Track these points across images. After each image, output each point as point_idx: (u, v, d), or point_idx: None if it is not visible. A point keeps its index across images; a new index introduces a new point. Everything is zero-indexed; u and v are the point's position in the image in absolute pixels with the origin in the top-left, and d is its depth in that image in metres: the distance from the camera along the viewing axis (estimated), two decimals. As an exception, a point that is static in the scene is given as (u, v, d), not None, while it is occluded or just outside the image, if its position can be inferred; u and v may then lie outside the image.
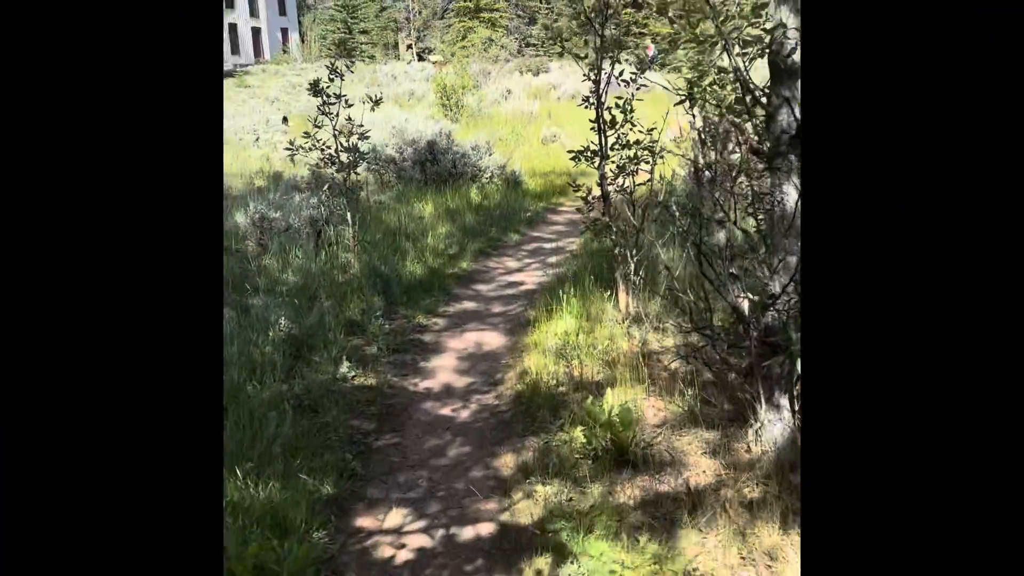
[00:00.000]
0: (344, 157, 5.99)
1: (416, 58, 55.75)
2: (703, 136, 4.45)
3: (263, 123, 14.54)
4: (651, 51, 21.45)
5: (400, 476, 3.38)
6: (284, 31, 49.79)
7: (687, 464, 3.26)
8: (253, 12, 45.43)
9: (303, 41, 51.26)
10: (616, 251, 5.00)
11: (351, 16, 49.58)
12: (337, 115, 6.04)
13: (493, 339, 5.11)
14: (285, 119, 17.43)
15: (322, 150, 5.99)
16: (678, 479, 3.15)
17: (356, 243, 6.08)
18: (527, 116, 17.82)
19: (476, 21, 52.85)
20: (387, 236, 6.98)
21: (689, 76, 4.94)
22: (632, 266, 4.92)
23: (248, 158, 11.42)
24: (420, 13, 64.27)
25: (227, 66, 39.45)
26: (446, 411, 4.07)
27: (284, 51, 46.42)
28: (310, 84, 5.97)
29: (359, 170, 6.71)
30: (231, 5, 43.54)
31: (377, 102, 6.13)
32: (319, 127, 5.93)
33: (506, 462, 3.46)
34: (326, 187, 6.23)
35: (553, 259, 7.01)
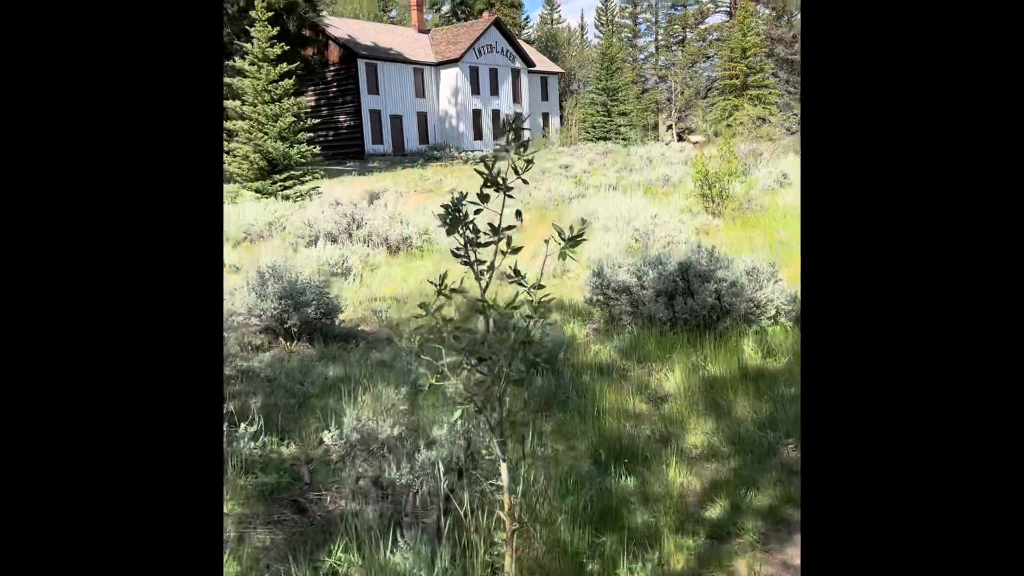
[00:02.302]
0: (485, 367, 2.89)
1: (676, 138, 52.97)
2: None
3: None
4: None
5: None
6: (545, 116, 49.58)
7: None
8: (516, 98, 45.57)
9: (563, 125, 50.74)
10: None
11: (611, 99, 48.13)
12: (491, 269, 3.00)
13: None
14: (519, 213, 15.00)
15: (460, 352, 2.95)
16: None
17: (514, 523, 2.90)
18: (813, 209, 13.82)
19: (742, 99, 48.99)
20: (586, 455, 3.75)
21: None
22: None
23: (427, 273, 8.84)
24: (682, 93, 61.63)
25: (486, 151, 39.44)
26: None
27: (544, 136, 45.94)
28: (443, 209, 2.99)
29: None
30: (495, 92, 43.98)
31: (575, 239, 2.98)
32: (450, 295, 2.92)
33: None
34: (458, 415, 3.10)
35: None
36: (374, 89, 38.83)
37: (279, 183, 20.02)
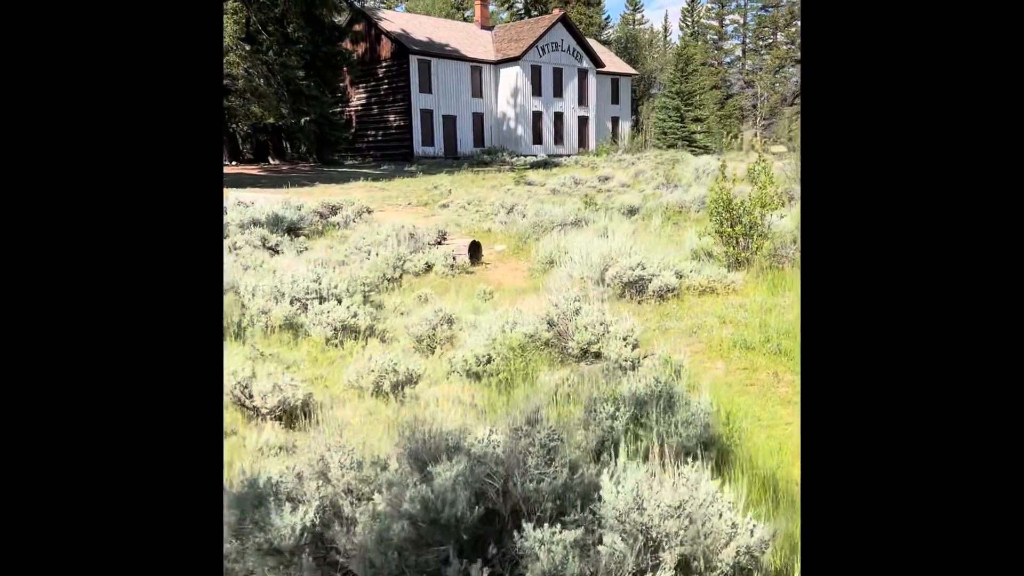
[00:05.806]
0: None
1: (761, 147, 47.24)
2: None
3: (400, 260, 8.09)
4: None
5: None
6: (615, 120, 44.88)
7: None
8: (582, 100, 41.11)
9: (636, 130, 45.99)
10: None
11: (684, 103, 43.04)
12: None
13: None
14: (475, 246, 10.90)
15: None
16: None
17: None
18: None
19: (832, 106, 42.87)
20: None
21: None
22: None
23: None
24: (768, 99, 55.51)
25: (541, 155, 35.37)
26: None
27: (610, 141, 41.38)
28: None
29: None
30: (559, 93, 39.72)
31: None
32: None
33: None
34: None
35: None
36: (426, 87, 35.30)
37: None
